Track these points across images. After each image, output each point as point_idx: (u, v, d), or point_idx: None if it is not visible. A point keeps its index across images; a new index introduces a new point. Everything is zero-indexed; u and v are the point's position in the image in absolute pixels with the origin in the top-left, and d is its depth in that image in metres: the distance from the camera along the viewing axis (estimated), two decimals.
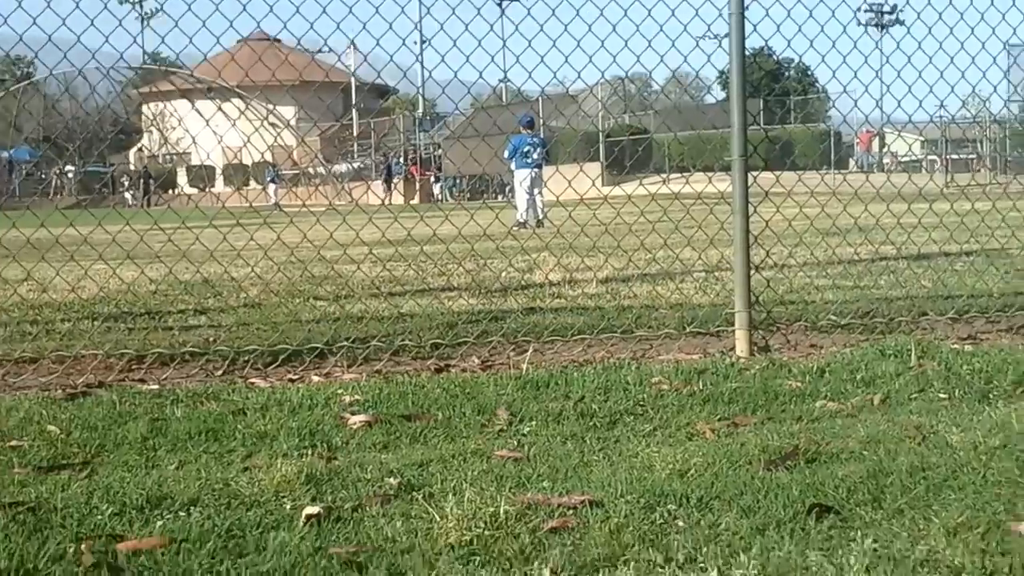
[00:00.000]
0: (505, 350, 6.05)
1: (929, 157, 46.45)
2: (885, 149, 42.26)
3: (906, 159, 41.03)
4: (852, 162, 46.15)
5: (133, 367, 5.72)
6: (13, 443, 4.15)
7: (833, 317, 6.53)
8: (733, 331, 6.00)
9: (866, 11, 62.52)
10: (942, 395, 4.78)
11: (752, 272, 6.11)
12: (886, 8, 64.88)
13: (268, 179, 43.47)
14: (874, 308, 6.70)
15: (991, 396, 4.74)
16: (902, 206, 7.42)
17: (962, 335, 6.28)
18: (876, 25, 69.31)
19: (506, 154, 20.80)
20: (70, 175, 64.97)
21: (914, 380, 5.01)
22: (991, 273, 8.19)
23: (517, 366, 5.56)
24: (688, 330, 6.29)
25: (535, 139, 21.02)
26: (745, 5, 5.97)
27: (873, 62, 6.91)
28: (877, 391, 4.84)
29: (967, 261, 9.09)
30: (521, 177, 20.97)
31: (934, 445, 3.91)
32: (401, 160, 56.24)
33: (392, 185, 50.20)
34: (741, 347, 5.91)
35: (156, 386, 5.24)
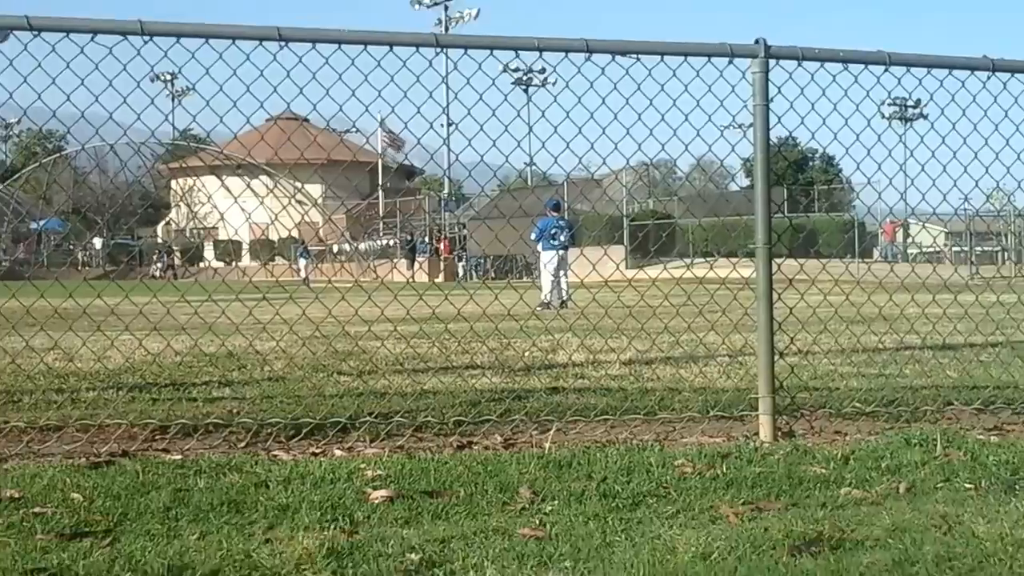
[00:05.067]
0: (528, 429, 6.05)
1: (953, 248, 46.48)
2: (910, 240, 42.29)
3: (930, 250, 41.07)
4: (876, 252, 46.22)
5: (157, 437, 5.74)
6: (37, 510, 4.17)
7: (858, 404, 6.51)
8: (757, 416, 5.98)
9: (890, 104, 62.95)
10: (968, 485, 4.74)
11: (776, 358, 6.10)
12: (910, 102, 65.41)
13: (298, 254, 43.95)
14: (899, 396, 6.67)
15: (1017, 488, 4.69)
16: (927, 296, 7.41)
17: (988, 426, 6.24)
18: (900, 118, 69.82)
19: (532, 236, 20.95)
20: (98, 247, 65.78)
21: (939, 469, 4.97)
22: (1017, 365, 8.14)
23: (540, 445, 5.55)
24: (711, 414, 6.28)
25: (562, 222, 21.17)
26: (770, 97, 6.04)
27: (897, 155, 6.95)
28: (902, 479, 4.81)
29: (993, 352, 9.04)
30: (547, 259, 21.09)
31: (960, 535, 3.88)
32: (426, 239, 56.80)
33: (417, 264, 50.68)
34: (765, 432, 5.89)
35: (179, 456, 5.25)
